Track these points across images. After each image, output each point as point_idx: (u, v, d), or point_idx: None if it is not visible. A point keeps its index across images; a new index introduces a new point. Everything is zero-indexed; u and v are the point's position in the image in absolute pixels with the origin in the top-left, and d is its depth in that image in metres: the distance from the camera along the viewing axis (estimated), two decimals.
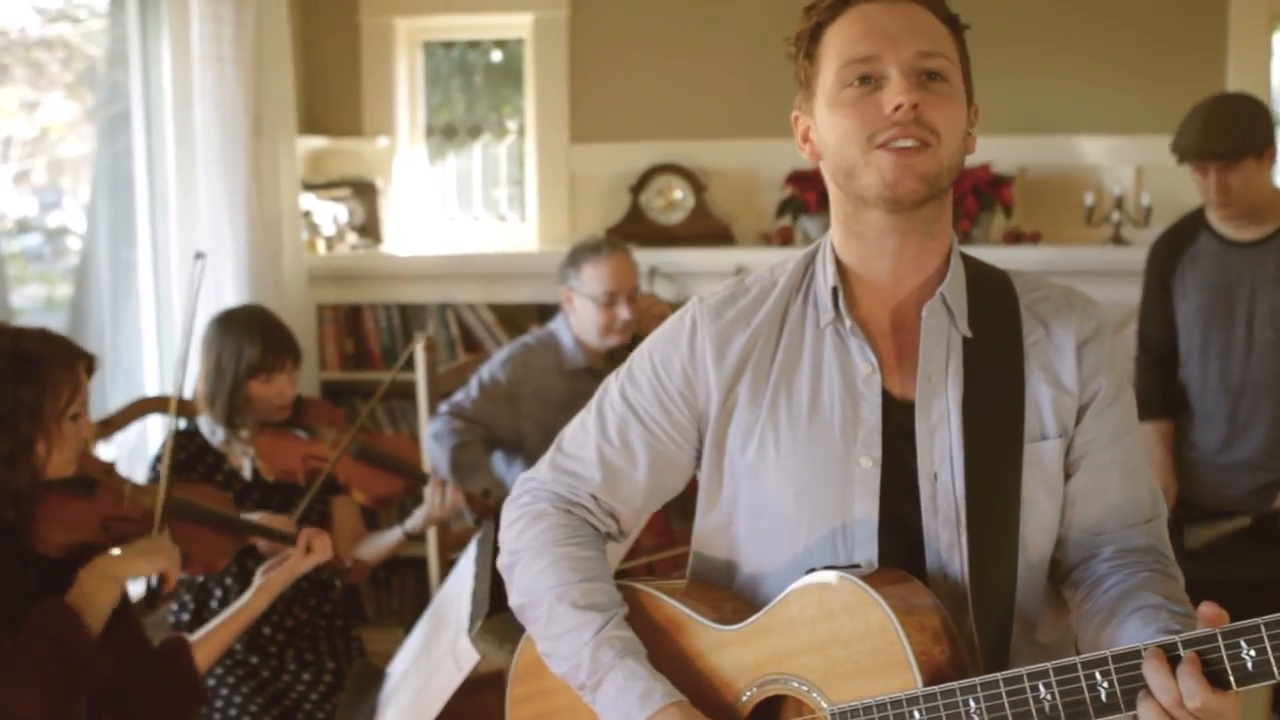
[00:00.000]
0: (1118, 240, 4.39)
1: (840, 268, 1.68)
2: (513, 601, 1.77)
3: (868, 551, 1.63)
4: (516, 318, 4.66)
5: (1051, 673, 1.40)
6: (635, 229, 4.63)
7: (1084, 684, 1.38)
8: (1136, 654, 1.37)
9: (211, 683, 3.02)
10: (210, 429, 3.21)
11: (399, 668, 2.53)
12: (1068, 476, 1.66)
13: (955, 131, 1.58)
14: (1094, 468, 1.66)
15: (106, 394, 3.95)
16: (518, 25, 4.86)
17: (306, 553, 2.74)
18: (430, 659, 2.30)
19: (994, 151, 4.49)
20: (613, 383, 1.81)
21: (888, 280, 1.66)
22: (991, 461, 1.61)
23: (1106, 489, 1.66)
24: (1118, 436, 1.66)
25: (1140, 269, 3.72)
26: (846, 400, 1.65)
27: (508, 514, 1.81)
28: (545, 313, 4.54)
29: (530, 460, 3.66)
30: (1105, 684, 1.38)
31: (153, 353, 4.13)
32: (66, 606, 2.15)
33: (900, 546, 1.63)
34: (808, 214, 4.53)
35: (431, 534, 3.80)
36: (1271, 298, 3.41)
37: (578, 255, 3.71)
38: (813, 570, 1.57)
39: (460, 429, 3.60)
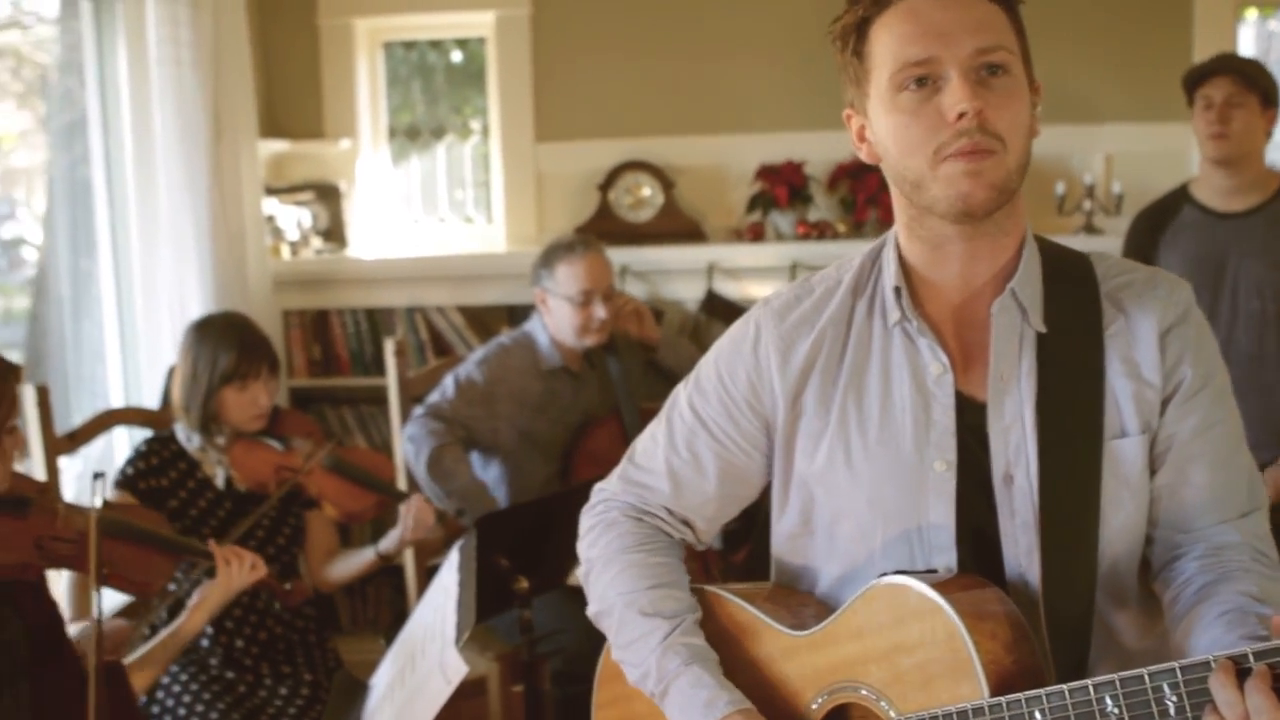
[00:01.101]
0: (1090, 229, 4.38)
1: (905, 265, 1.63)
2: (590, 610, 1.76)
3: (946, 557, 1.58)
4: (486, 319, 4.60)
5: (1119, 684, 1.33)
6: (604, 227, 4.57)
7: (1151, 696, 1.32)
8: (1206, 665, 1.29)
9: (187, 699, 2.95)
10: (186, 435, 3.14)
11: (383, 679, 2.47)
12: (1153, 472, 1.59)
13: (1021, 129, 1.51)
14: (1179, 462, 1.57)
15: (70, 406, 3.87)
16: (479, 24, 4.79)
17: (226, 567, 2.72)
18: (417, 671, 2.24)
19: None
20: (681, 392, 1.78)
21: (957, 280, 1.60)
22: (1068, 462, 1.55)
23: (1194, 484, 1.57)
24: (1206, 428, 1.58)
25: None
26: (918, 402, 1.60)
27: (583, 524, 1.81)
28: (515, 314, 4.49)
29: (506, 461, 3.63)
30: (1174, 697, 1.31)
31: (116, 364, 4.04)
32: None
33: (979, 552, 1.58)
34: (778, 209, 4.49)
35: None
36: (1257, 268, 3.43)
37: (551, 255, 3.66)
38: (884, 575, 1.53)
39: (439, 430, 3.53)
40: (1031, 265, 1.59)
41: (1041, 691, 1.38)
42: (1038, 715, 1.38)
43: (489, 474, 3.67)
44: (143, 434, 3.27)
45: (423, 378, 3.90)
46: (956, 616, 1.43)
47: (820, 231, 4.45)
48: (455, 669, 2.04)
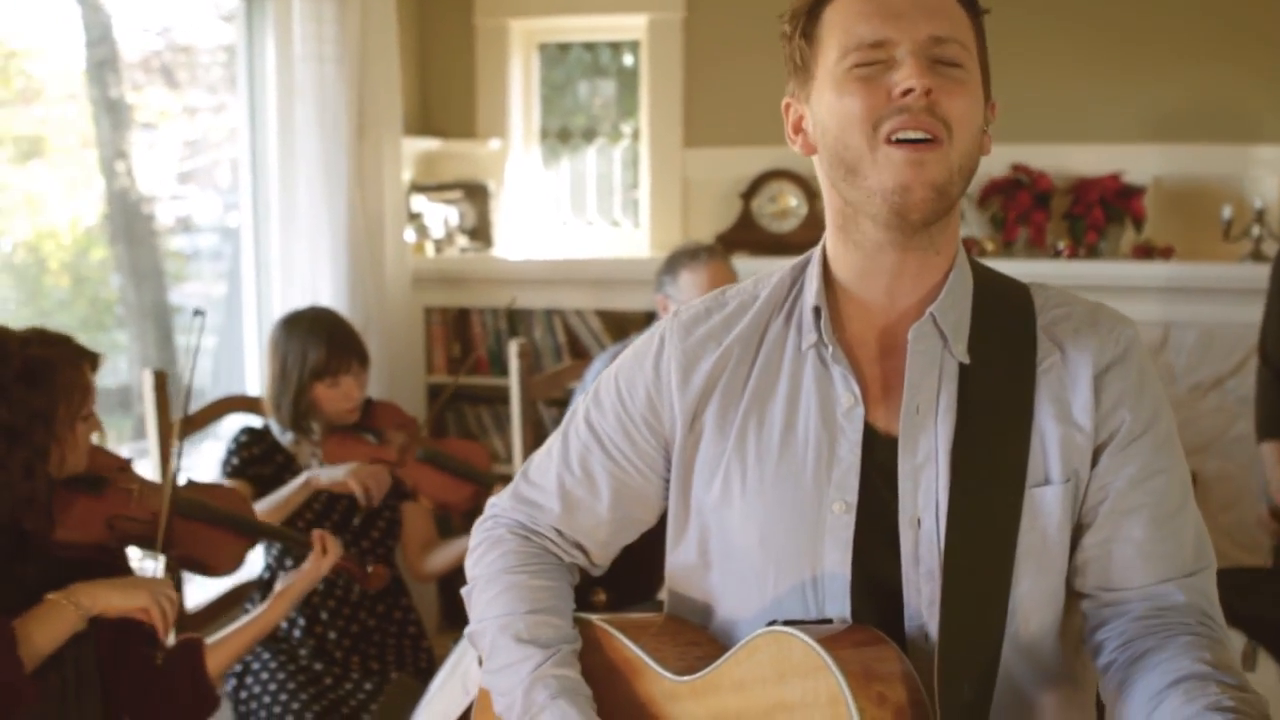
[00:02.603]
0: (1257, 256, 4.11)
1: (829, 282, 1.49)
2: (467, 630, 1.63)
3: (840, 607, 1.43)
4: (624, 324, 4.57)
5: None
6: (746, 236, 4.50)
7: None
8: None
9: (274, 687, 2.99)
10: (280, 429, 3.18)
11: (437, 683, 2.46)
12: (1086, 527, 1.43)
13: (969, 127, 1.38)
14: (1115, 515, 1.41)
15: (207, 398, 3.99)
16: (633, 27, 4.77)
17: (323, 555, 2.72)
18: (454, 675, 2.21)
19: (1126, 160, 4.26)
20: (579, 407, 1.65)
21: (882, 299, 1.46)
22: (982, 508, 1.39)
23: (1132, 539, 1.41)
24: (1145, 478, 1.42)
25: None
26: (823, 435, 1.45)
27: (472, 539, 1.68)
28: (653, 319, 4.44)
29: None
30: None
31: (254, 355, 4.14)
32: (7, 631, 2.08)
33: (880, 602, 1.43)
34: None
35: None
36: None
37: (675, 262, 3.60)
38: (774, 623, 1.39)
39: None
40: (958, 290, 1.45)
41: None
42: None
43: None
44: (255, 420, 3.33)
45: (547, 380, 3.89)
46: (841, 676, 1.28)
47: (968, 248, 4.27)
48: (475, 681, 1.99)
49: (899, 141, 1.35)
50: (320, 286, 3.96)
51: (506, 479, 3.23)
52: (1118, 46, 4.29)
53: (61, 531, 2.30)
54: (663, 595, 2.67)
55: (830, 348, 1.46)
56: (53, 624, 2.13)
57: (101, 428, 2.39)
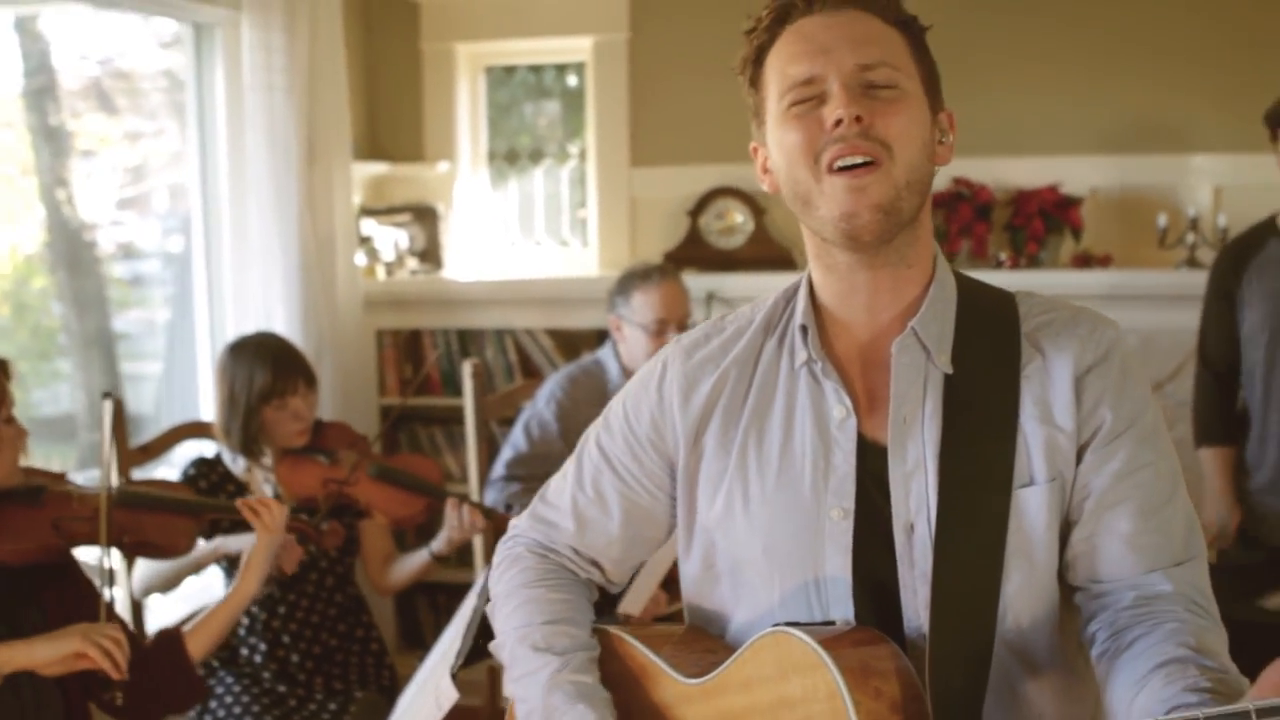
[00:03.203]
0: (1192, 263, 4.22)
1: (815, 303, 1.58)
2: (492, 645, 1.72)
3: (843, 609, 1.51)
4: (575, 343, 4.62)
5: None
6: (694, 253, 4.57)
7: None
8: None
9: (238, 710, 3.01)
10: (231, 458, 3.20)
11: (405, 700, 2.49)
12: (1073, 523, 1.49)
13: (910, 142, 1.45)
14: (1100, 510, 1.48)
15: (162, 420, 3.99)
16: (578, 49, 4.83)
17: (257, 518, 2.75)
18: (423, 693, 2.25)
19: (1064, 171, 4.36)
20: (591, 431, 1.74)
21: (864, 316, 1.54)
22: (970, 510, 1.46)
23: (1118, 531, 1.47)
24: (1130, 472, 1.47)
25: None
26: (819, 447, 1.53)
27: (495, 558, 1.78)
28: (604, 338, 4.48)
29: None
30: None
31: (208, 377, 4.15)
32: None
33: (879, 604, 1.50)
34: None
35: (479, 559, 3.77)
36: None
37: (627, 283, 3.64)
38: (776, 626, 1.47)
39: (517, 493, 3.53)
40: (940, 302, 1.53)
41: None
42: None
43: None
44: (215, 447, 3.35)
45: (501, 400, 3.93)
46: (838, 672, 1.36)
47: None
48: (447, 695, 2.04)
49: (840, 169, 1.43)
50: (274, 311, 3.99)
51: (459, 495, 3.29)
52: (1054, 63, 4.40)
53: (9, 543, 2.34)
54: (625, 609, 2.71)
55: (820, 363, 1.53)
56: None
57: (25, 435, 2.44)
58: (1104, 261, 4.31)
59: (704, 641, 1.65)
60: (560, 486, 1.75)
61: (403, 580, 3.40)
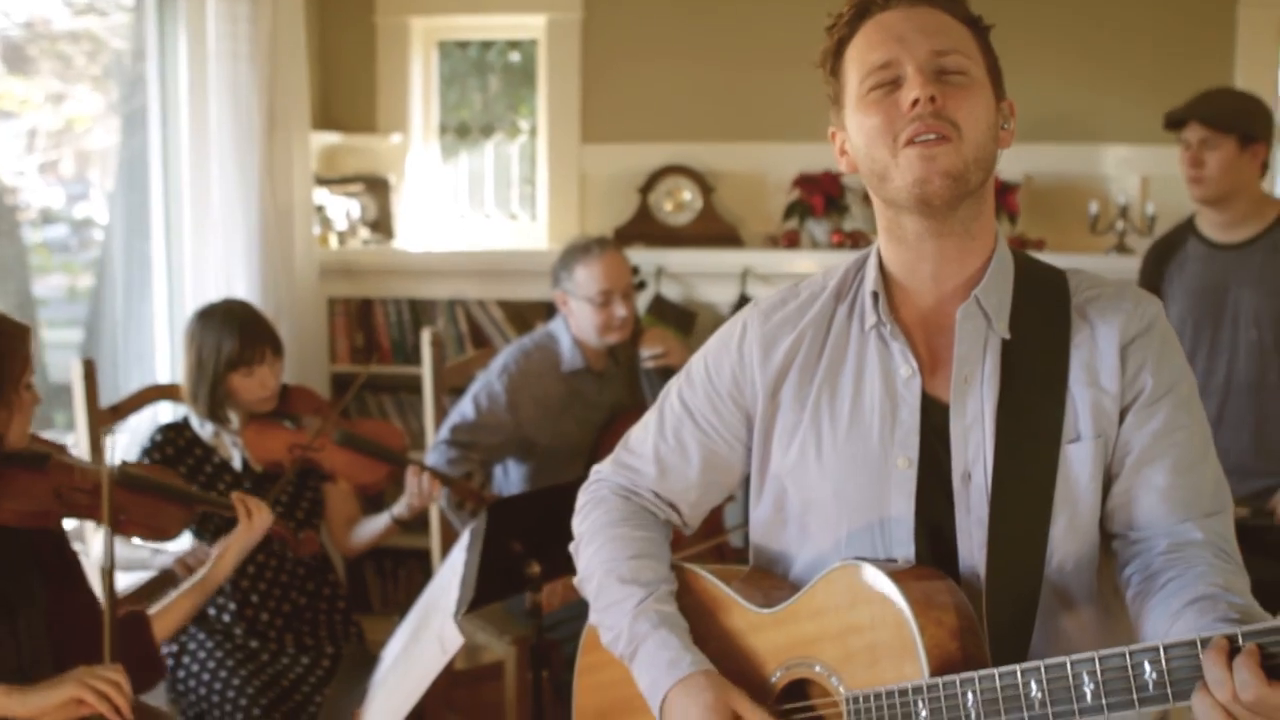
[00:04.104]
0: (1121, 249, 4.43)
1: (885, 272, 1.73)
2: (576, 579, 1.89)
3: (905, 549, 1.67)
4: (525, 314, 4.72)
5: (1044, 670, 1.42)
6: (643, 229, 4.69)
7: (1070, 682, 1.39)
8: (1191, 644, 1.34)
9: (212, 665, 3.08)
10: (199, 423, 3.26)
11: (391, 652, 2.59)
12: (1115, 477, 1.65)
13: (978, 124, 1.60)
14: (1140, 465, 1.63)
15: (120, 382, 4.03)
16: (532, 26, 4.92)
17: (248, 518, 2.83)
18: (420, 643, 2.35)
19: (1000, 158, 4.52)
20: (673, 385, 1.90)
21: (930, 283, 1.69)
22: (1023, 463, 1.63)
23: (1155, 485, 1.63)
24: (1167, 433, 1.63)
25: None
26: (886, 403, 1.69)
27: (578, 502, 1.94)
28: (553, 310, 4.57)
29: (544, 461, 3.70)
30: (1091, 684, 1.38)
31: (165, 342, 4.20)
32: None
33: (936, 545, 1.67)
34: (813, 217, 4.58)
35: (435, 526, 3.87)
36: (1255, 299, 3.47)
37: (569, 258, 3.73)
38: (845, 561, 1.64)
39: (456, 460, 3.62)
40: (1000, 274, 1.68)
41: (974, 674, 1.47)
42: (970, 696, 1.47)
43: (516, 476, 3.77)
44: (184, 409, 3.40)
45: (457, 369, 4.02)
46: (905, 602, 1.53)
47: (854, 241, 4.53)
48: (452, 639, 2.15)
49: (915, 143, 1.58)
50: (234, 278, 4.04)
51: (420, 463, 3.38)
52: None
53: (11, 503, 2.40)
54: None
55: (889, 326, 1.69)
56: None
57: (39, 401, 2.49)
58: (1038, 245, 4.50)
59: (770, 579, 1.82)
60: (642, 436, 1.90)
61: (365, 542, 3.49)
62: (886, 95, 1.61)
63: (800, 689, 1.69)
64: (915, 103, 1.58)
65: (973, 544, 1.65)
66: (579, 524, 1.91)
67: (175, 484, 2.87)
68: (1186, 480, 1.64)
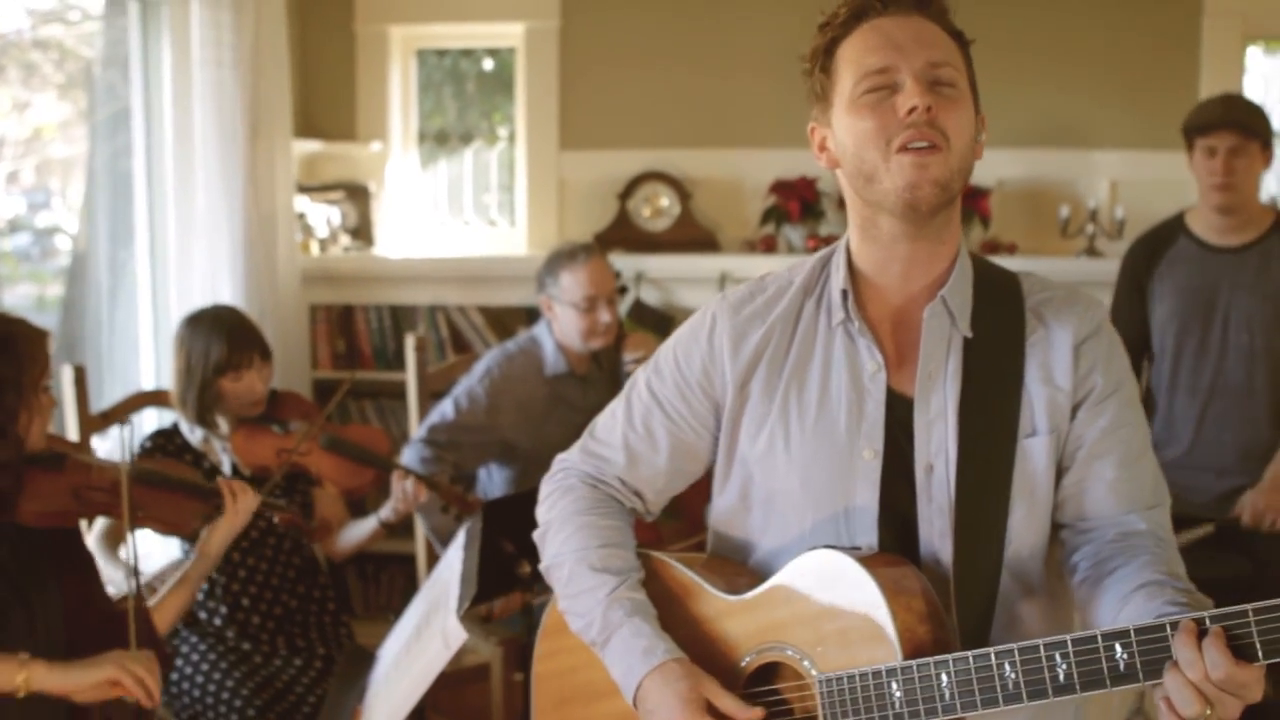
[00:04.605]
0: (1091, 252, 4.52)
1: (853, 270, 1.79)
2: (542, 565, 1.92)
3: (868, 537, 1.74)
4: (505, 320, 4.77)
5: (1017, 652, 1.49)
6: (622, 235, 4.74)
7: (1044, 664, 1.48)
8: (1160, 628, 1.43)
9: (205, 667, 3.11)
10: (189, 428, 3.29)
11: (390, 650, 2.63)
12: (1065, 470, 1.74)
13: (964, 136, 1.67)
14: (1089, 459, 1.73)
15: (104, 389, 4.05)
16: (510, 35, 4.98)
17: (233, 501, 2.85)
18: (420, 640, 2.40)
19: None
20: (640, 375, 1.94)
21: (898, 282, 1.76)
22: (983, 455, 1.71)
23: (1103, 478, 1.73)
24: (1114, 429, 1.73)
25: (1114, 280, 3.80)
26: (853, 396, 1.75)
27: (542, 490, 1.97)
28: (533, 315, 4.61)
29: (526, 465, 3.71)
30: (1064, 665, 1.47)
31: (149, 349, 4.22)
32: None
33: (897, 533, 1.74)
34: (790, 222, 4.64)
35: (419, 530, 3.90)
36: (1247, 303, 3.51)
37: (554, 263, 3.76)
38: (814, 549, 1.70)
39: (429, 460, 3.64)
40: (962, 276, 1.76)
41: (949, 656, 1.55)
42: (944, 677, 1.54)
43: (500, 479, 3.81)
44: (172, 415, 3.43)
45: (441, 373, 4.06)
46: (878, 588, 1.59)
47: (828, 244, 4.58)
48: (455, 635, 2.20)
49: (907, 150, 1.64)
50: (220, 285, 4.07)
51: (404, 467, 3.41)
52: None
53: (31, 504, 2.43)
54: None
55: (856, 323, 1.76)
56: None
57: (54, 404, 2.53)
58: (1010, 249, 4.59)
59: (731, 567, 1.87)
60: (610, 425, 1.95)
61: (351, 545, 3.51)
62: (882, 100, 1.67)
63: (768, 674, 1.74)
64: (912, 110, 1.64)
65: (933, 532, 1.72)
66: (546, 511, 1.94)
67: (188, 476, 2.89)
68: (1131, 474, 1.74)
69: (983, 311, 1.76)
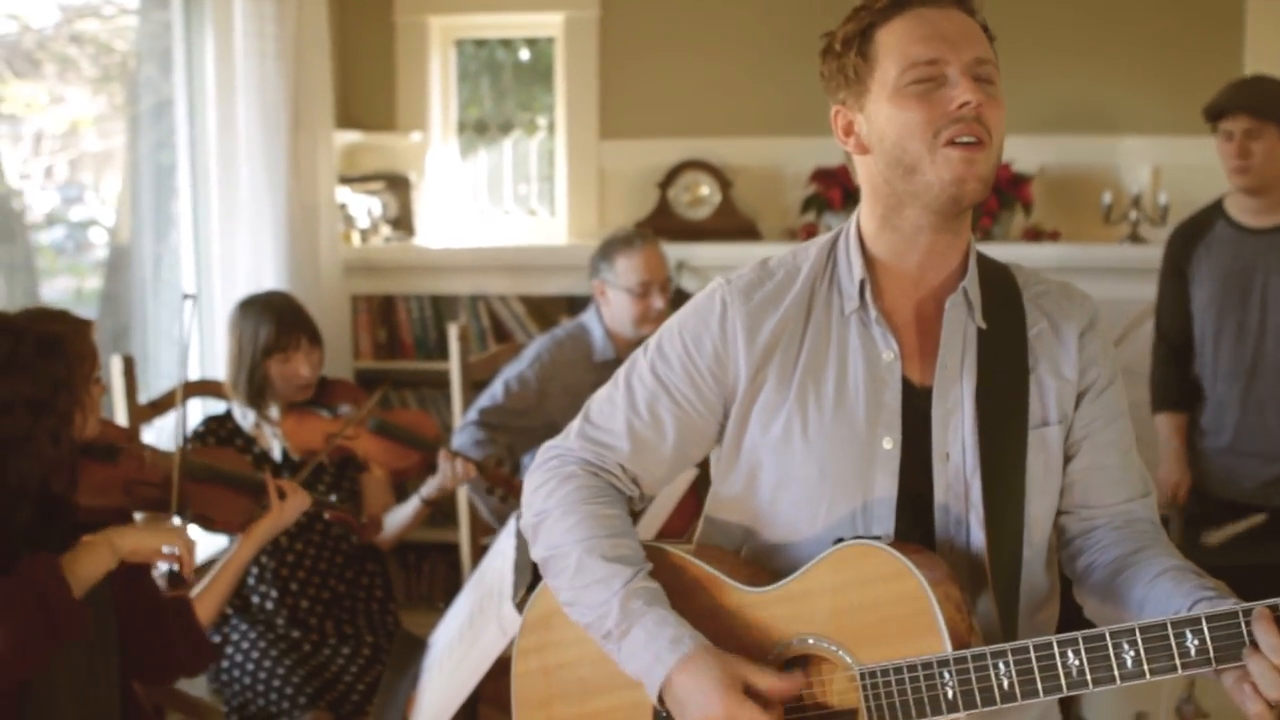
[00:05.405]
0: (1135, 238, 4.49)
1: (867, 258, 1.78)
2: (537, 555, 1.85)
3: (886, 526, 1.74)
4: (546, 309, 4.78)
5: (1081, 641, 1.51)
6: (663, 224, 4.74)
7: (1110, 652, 1.50)
8: (1191, 620, 1.48)
9: (255, 654, 3.14)
10: (241, 414, 3.33)
11: (442, 637, 2.64)
12: (1069, 458, 1.79)
13: (1000, 131, 1.68)
14: (1094, 448, 1.78)
15: (150, 382, 4.08)
16: (549, 24, 4.98)
17: (279, 500, 2.88)
18: (474, 628, 2.41)
19: (1014, 150, 4.58)
20: (641, 358, 1.88)
21: (914, 272, 1.76)
22: (1000, 445, 1.73)
23: (1106, 467, 1.78)
24: (1113, 419, 1.79)
25: (1157, 266, 3.79)
26: (870, 385, 1.75)
27: (534, 478, 1.90)
28: (574, 304, 4.65)
29: None
30: (1131, 652, 1.49)
31: (193, 341, 4.24)
32: (54, 562, 2.23)
33: (915, 520, 1.75)
34: (831, 210, 4.63)
35: (464, 518, 3.92)
36: None
37: (610, 248, 3.79)
38: (841, 540, 1.68)
39: (483, 441, 3.66)
40: (974, 269, 1.78)
41: (1006, 646, 1.55)
42: (1001, 666, 1.55)
43: None
44: (217, 405, 3.46)
45: (483, 363, 4.07)
46: (922, 580, 1.59)
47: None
48: (511, 621, 2.20)
49: (956, 144, 1.64)
50: (263, 277, 4.09)
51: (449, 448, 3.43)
52: (1006, 48, 4.60)
53: (83, 498, 2.45)
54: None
55: (873, 312, 1.75)
56: (91, 562, 2.29)
57: (104, 390, 2.55)
58: (1053, 236, 4.56)
59: (724, 555, 1.83)
60: (608, 411, 1.88)
61: (396, 531, 3.52)
62: (929, 92, 1.65)
63: (798, 668, 1.69)
64: (964, 105, 1.63)
65: (949, 519, 1.74)
66: (543, 500, 1.86)
67: (239, 470, 2.90)
68: (1128, 463, 1.80)
69: (989, 304, 1.78)
